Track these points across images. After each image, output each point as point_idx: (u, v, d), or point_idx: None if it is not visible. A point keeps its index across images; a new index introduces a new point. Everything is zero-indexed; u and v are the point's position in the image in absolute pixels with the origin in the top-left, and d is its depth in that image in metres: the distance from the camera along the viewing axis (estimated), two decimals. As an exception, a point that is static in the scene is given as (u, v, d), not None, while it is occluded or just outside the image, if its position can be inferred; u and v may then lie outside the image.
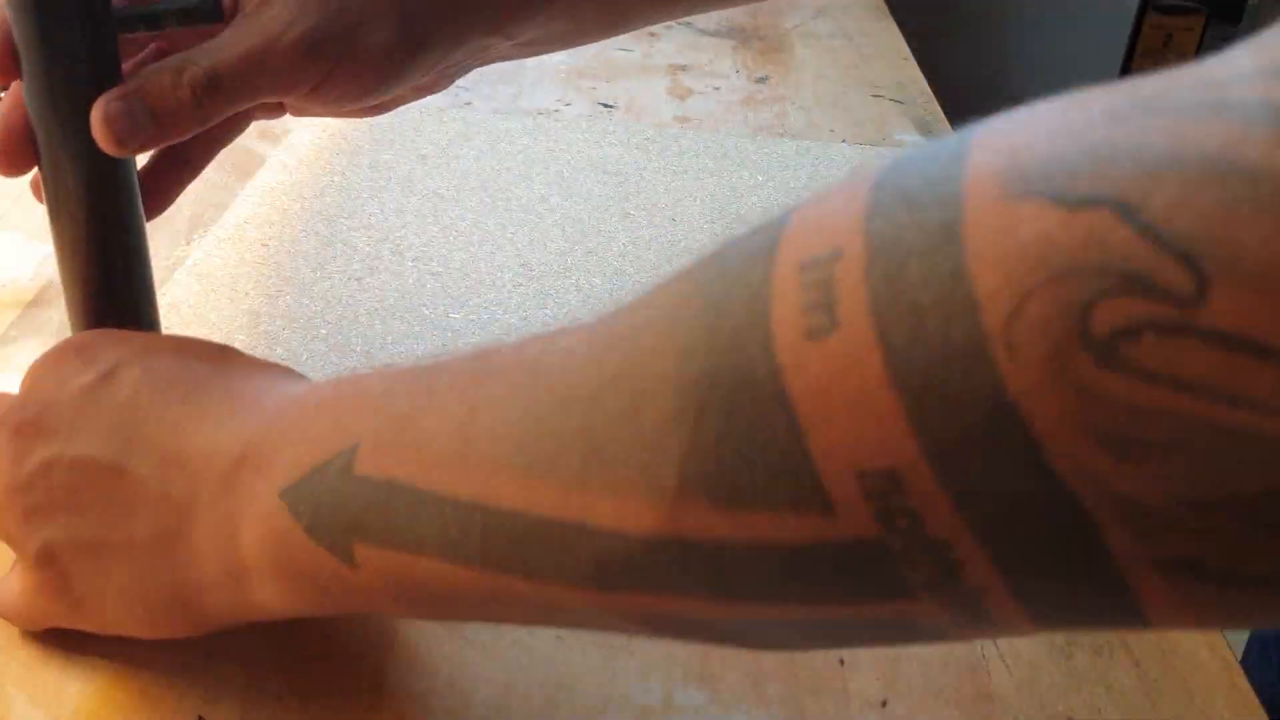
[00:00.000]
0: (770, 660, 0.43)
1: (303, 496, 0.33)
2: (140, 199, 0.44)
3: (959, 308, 0.21)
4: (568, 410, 0.27)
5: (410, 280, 0.62)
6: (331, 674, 0.42)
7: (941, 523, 0.22)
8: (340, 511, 0.32)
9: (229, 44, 0.43)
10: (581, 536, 0.27)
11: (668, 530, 0.26)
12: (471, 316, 0.59)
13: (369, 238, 0.65)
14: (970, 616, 0.24)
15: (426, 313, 0.59)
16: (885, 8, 1.08)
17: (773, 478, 0.24)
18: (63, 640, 0.42)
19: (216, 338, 0.56)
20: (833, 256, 0.23)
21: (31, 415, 0.38)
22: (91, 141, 0.41)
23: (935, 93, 0.91)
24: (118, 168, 0.43)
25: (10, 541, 0.39)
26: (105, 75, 0.41)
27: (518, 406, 0.29)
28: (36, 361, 0.40)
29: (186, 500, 0.36)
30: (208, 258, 0.62)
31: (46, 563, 0.38)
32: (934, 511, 0.22)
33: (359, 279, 0.62)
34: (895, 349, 0.21)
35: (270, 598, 0.35)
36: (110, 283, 0.44)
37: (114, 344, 0.39)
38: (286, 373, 0.39)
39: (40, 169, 0.42)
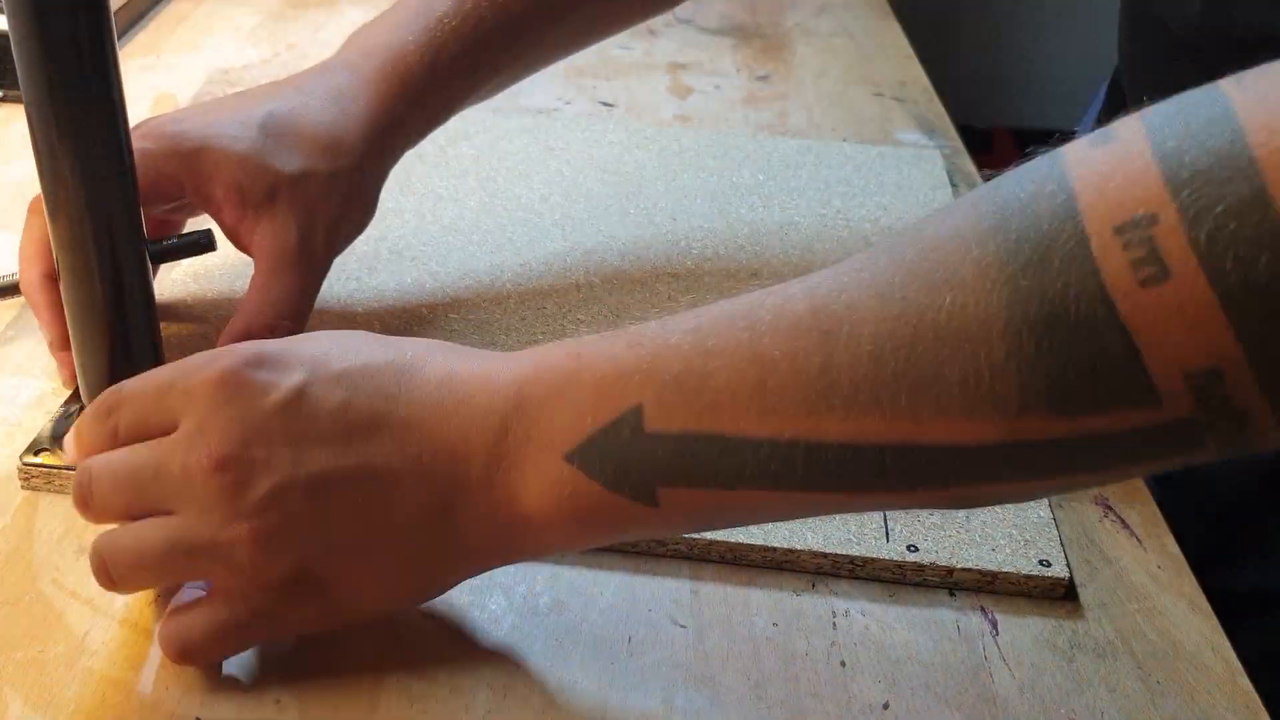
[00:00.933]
0: (770, 663, 0.43)
1: (595, 458, 0.37)
2: (139, 202, 0.44)
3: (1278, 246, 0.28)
4: (881, 360, 0.33)
5: (408, 280, 0.61)
6: (330, 676, 0.41)
7: (1245, 395, 0.30)
8: (641, 464, 0.36)
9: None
10: (914, 453, 0.33)
11: (1009, 439, 0.32)
12: (470, 316, 0.59)
13: (367, 237, 0.65)
14: (1234, 441, 0.31)
15: (425, 313, 0.59)
16: (887, 6, 1.08)
17: (1110, 388, 0.31)
18: (61, 641, 0.42)
19: (215, 337, 0.56)
20: (1148, 220, 0.30)
21: (222, 445, 0.38)
22: (90, 146, 0.41)
23: (937, 91, 0.91)
24: (117, 171, 0.42)
25: (240, 572, 0.38)
26: (105, 79, 0.41)
27: (815, 360, 0.34)
28: (193, 391, 0.39)
29: (452, 478, 0.38)
30: (205, 259, 0.62)
31: (298, 579, 0.38)
32: (1243, 391, 0.30)
33: (357, 279, 0.61)
34: (1227, 286, 0.29)
35: (554, 541, 0.39)
36: (109, 283, 0.44)
37: (274, 358, 0.40)
38: (453, 348, 0.41)
39: (39, 173, 0.42)
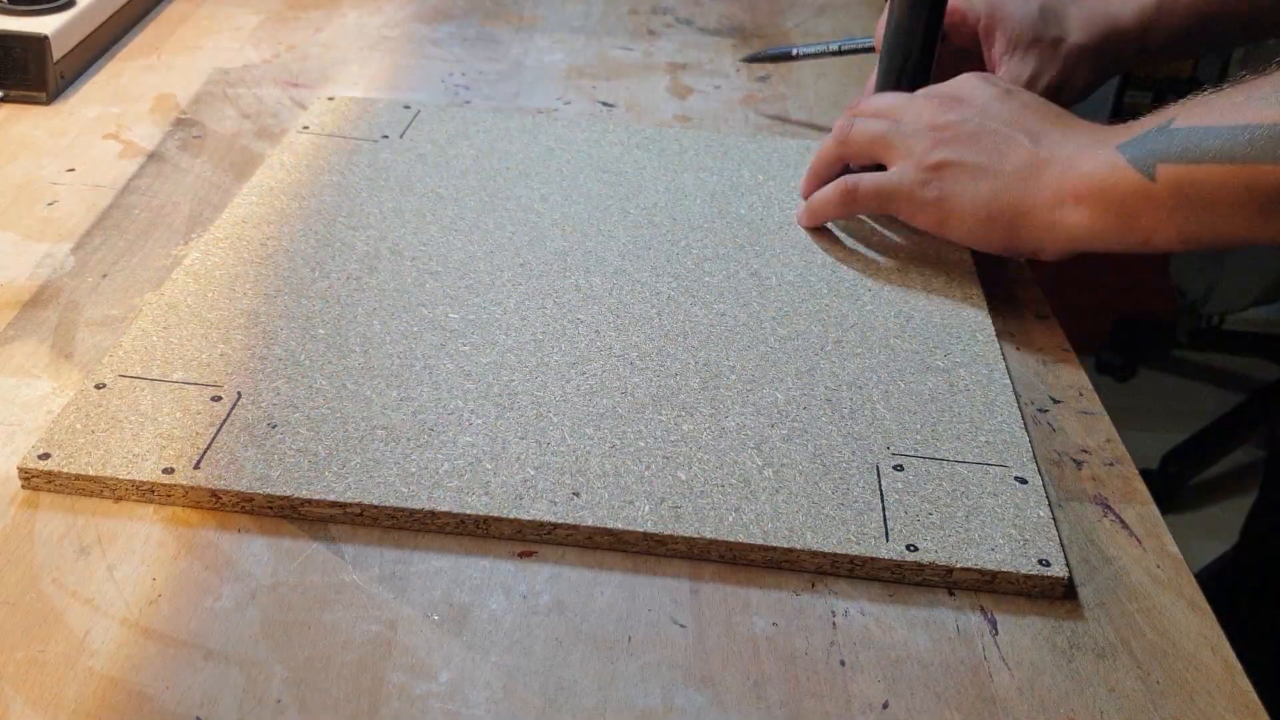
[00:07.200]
0: (770, 663, 0.43)
1: (1131, 145, 0.58)
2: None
3: None
4: None
5: (409, 280, 0.61)
6: (330, 676, 0.41)
7: None
8: (1155, 147, 0.56)
9: None
10: None
11: None
12: (470, 316, 0.59)
13: (367, 237, 0.65)
14: None
15: (425, 312, 0.59)
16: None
17: None
18: (61, 641, 0.42)
19: (214, 337, 0.56)
20: None
21: (954, 95, 0.66)
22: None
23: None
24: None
25: (910, 155, 0.64)
26: None
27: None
28: (955, 79, 0.68)
29: (1047, 156, 0.61)
30: (206, 257, 0.62)
31: (937, 169, 0.64)
32: None
33: (357, 278, 0.61)
34: None
35: (1073, 222, 0.60)
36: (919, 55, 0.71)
37: (1003, 80, 0.68)
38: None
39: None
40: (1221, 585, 0.50)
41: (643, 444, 0.51)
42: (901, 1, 0.70)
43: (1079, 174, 0.59)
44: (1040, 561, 0.47)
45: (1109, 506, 0.51)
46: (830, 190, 0.67)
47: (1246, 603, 0.78)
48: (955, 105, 0.65)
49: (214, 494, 0.47)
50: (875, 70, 0.74)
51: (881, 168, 0.66)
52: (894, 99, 0.68)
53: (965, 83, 0.66)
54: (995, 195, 0.62)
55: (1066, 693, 0.43)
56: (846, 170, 0.70)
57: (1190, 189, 0.55)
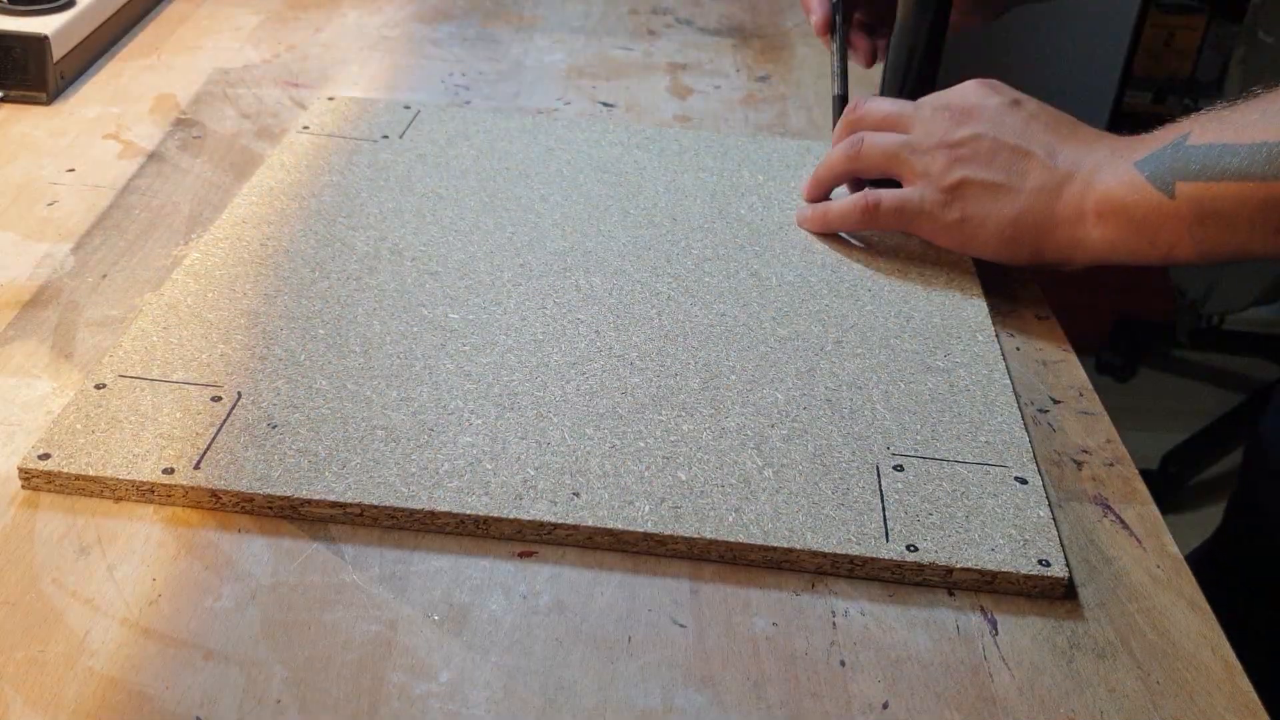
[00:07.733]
0: (770, 663, 0.43)
1: (1148, 162, 0.57)
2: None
3: None
4: None
5: (409, 280, 0.61)
6: (330, 676, 0.41)
7: None
8: (1173, 164, 0.56)
9: None
10: None
11: None
12: (470, 316, 0.59)
13: (367, 237, 0.65)
14: None
15: (425, 312, 0.59)
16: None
17: None
18: (61, 641, 0.42)
19: (214, 337, 0.56)
20: None
21: (963, 106, 0.64)
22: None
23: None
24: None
25: (928, 174, 0.64)
26: None
27: None
28: (958, 86, 0.66)
29: (1065, 172, 0.61)
30: (206, 257, 0.62)
31: (957, 189, 0.63)
32: None
33: (357, 278, 0.61)
34: None
35: (1095, 238, 0.60)
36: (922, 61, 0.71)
37: (1008, 88, 0.66)
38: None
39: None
40: (1199, 581, 0.50)
41: (643, 444, 0.51)
42: (906, 1, 0.70)
43: (1099, 191, 0.59)
44: (1040, 562, 0.47)
45: (1109, 506, 0.51)
46: (851, 205, 0.66)
47: (1224, 598, 0.78)
48: (966, 118, 0.63)
49: (214, 494, 0.47)
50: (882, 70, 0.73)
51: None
52: (898, 107, 0.67)
53: (971, 91, 0.65)
54: (1019, 214, 0.61)
55: (1066, 693, 0.43)
56: (857, 181, 0.69)
57: (1209, 206, 0.55)
